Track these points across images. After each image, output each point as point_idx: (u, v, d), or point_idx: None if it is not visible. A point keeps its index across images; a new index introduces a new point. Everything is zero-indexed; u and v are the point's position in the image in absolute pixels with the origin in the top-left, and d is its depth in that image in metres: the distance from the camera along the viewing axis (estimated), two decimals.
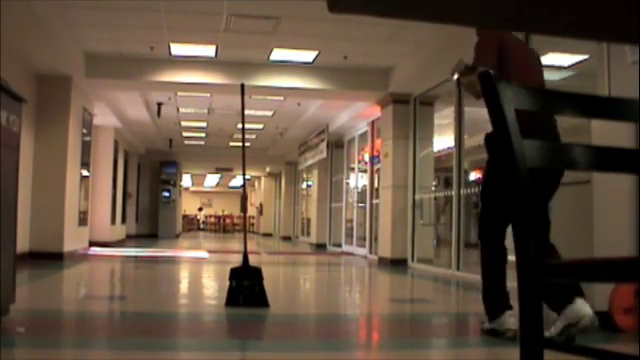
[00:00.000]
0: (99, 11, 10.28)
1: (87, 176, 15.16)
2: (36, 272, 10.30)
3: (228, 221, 49.24)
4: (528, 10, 1.36)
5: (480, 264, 5.26)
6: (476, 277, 10.59)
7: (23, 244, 11.39)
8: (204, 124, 21.89)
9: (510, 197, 1.56)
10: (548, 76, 5.74)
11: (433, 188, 13.85)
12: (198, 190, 55.20)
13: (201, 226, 50.69)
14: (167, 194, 28.58)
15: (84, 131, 14.37)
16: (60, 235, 12.60)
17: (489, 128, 1.47)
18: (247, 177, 26.09)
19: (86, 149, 14.75)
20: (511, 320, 4.95)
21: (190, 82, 13.66)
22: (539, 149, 1.67)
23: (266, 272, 6.97)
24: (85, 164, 14.68)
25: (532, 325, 1.51)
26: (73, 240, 13.45)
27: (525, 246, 1.53)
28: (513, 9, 1.40)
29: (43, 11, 9.62)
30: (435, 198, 13.45)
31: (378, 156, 15.94)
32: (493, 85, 1.60)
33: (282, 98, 16.56)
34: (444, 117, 13.24)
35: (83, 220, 14.72)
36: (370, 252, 16.72)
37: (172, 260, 15.45)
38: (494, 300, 5.12)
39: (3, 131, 4.96)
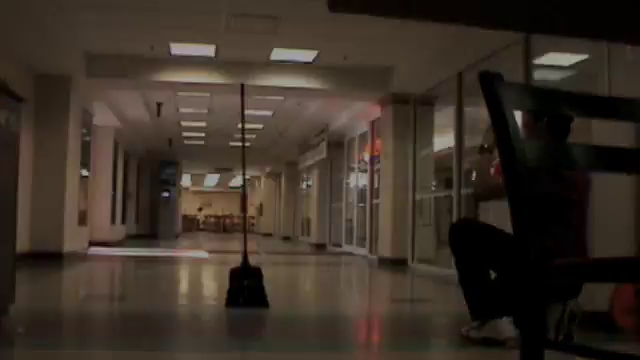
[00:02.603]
0: (99, 10, 10.27)
1: (87, 176, 15.17)
2: (36, 272, 10.29)
3: (228, 221, 49.23)
4: (529, 10, 1.36)
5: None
6: None
7: (23, 244, 11.38)
8: (204, 124, 21.89)
9: (510, 197, 1.56)
10: (549, 75, 5.73)
11: (433, 188, 13.85)
12: (198, 190, 55.18)
13: (201, 226, 50.66)
14: (167, 194, 28.59)
15: (84, 131, 14.37)
16: (60, 235, 12.59)
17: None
18: (247, 177, 26.09)
19: (86, 149, 14.76)
20: (511, 327, 4.67)
21: (190, 82, 13.65)
22: (539, 149, 1.66)
23: (266, 272, 6.97)
24: (85, 164, 14.69)
25: (533, 325, 1.50)
26: (73, 240, 13.44)
27: (525, 246, 1.53)
28: (514, 8, 1.40)
29: (42, 10, 9.61)
30: (435, 198, 13.44)
31: (378, 156, 15.93)
32: (492, 85, 1.59)
33: (282, 98, 16.57)
34: (444, 117, 13.23)
35: (83, 220, 14.73)
36: (370, 252, 16.70)
37: (172, 260, 15.46)
38: (480, 296, 4.88)
39: (2, 131, 4.96)
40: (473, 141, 11.93)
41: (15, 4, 8.78)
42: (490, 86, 1.59)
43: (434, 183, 14.02)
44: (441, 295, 9.97)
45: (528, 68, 8.85)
